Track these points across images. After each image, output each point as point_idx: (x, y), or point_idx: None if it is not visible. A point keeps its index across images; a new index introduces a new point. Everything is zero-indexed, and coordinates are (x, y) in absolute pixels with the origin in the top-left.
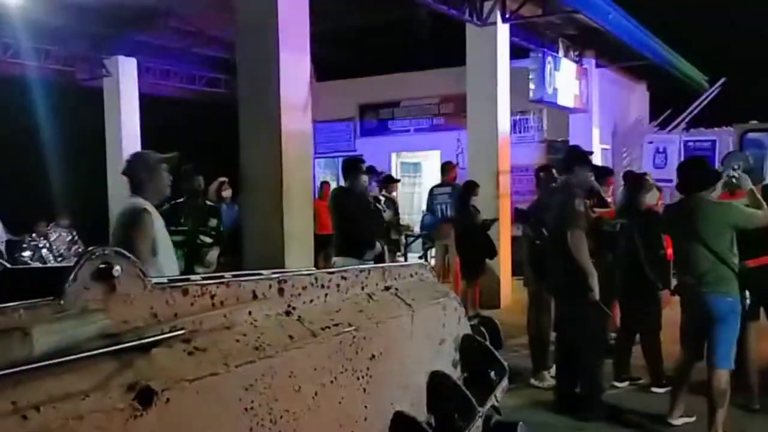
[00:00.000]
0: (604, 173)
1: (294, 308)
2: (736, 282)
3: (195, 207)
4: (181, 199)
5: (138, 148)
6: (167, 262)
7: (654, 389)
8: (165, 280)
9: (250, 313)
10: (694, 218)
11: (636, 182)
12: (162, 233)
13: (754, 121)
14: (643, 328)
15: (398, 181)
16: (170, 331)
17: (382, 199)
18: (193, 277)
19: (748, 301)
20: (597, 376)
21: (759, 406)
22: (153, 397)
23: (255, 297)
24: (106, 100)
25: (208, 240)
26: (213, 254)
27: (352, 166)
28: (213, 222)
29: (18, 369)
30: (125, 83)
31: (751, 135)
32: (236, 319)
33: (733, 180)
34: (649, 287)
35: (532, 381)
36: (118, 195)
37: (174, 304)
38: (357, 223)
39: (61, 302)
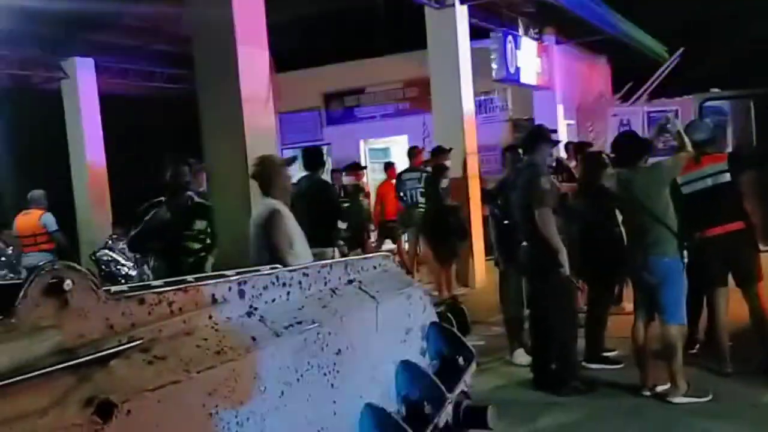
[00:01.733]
0: (582, 147)
1: (256, 309)
2: (675, 242)
3: (179, 207)
4: (161, 198)
5: (101, 148)
6: (302, 250)
7: (585, 364)
8: (125, 289)
9: (210, 317)
10: (632, 186)
11: (594, 161)
12: (294, 226)
13: (715, 89)
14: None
15: (364, 167)
16: (128, 342)
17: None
18: (153, 283)
19: (686, 260)
20: (571, 352)
21: (731, 370)
22: (113, 410)
23: (215, 301)
24: (66, 102)
25: (195, 246)
26: (209, 265)
27: (316, 156)
28: (200, 224)
29: None
30: (84, 84)
31: (710, 103)
32: (196, 325)
33: (667, 126)
34: (605, 265)
35: (508, 359)
36: (83, 198)
37: (131, 315)
38: (327, 212)
39: (12, 321)
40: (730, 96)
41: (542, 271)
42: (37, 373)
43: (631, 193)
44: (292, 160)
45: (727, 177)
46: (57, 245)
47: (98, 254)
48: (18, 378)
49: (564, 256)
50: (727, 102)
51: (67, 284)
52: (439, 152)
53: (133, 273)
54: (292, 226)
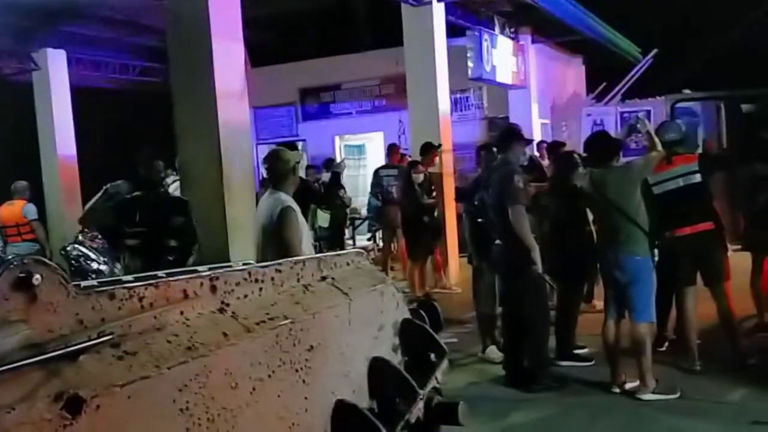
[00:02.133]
0: (556, 146)
1: (228, 305)
2: (646, 241)
3: (154, 202)
4: (137, 193)
5: (72, 141)
6: (307, 247)
7: (556, 361)
8: (95, 284)
9: (181, 312)
10: (604, 185)
11: (566, 160)
12: (303, 222)
13: (687, 90)
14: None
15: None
16: (98, 337)
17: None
18: (124, 278)
19: (656, 259)
20: (543, 349)
21: (699, 368)
22: (82, 405)
23: (186, 296)
24: (37, 94)
25: (173, 243)
26: (191, 261)
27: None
28: (177, 220)
29: None
30: (55, 76)
31: (681, 104)
32: (167, 320)
33: (637, 126)
34: (575, 263)
35: (480, 355)
36: (54, 192)
37: (101, 309)
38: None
39: None
40: (701, 98)
41: (515, 269)
42: (5, 367)
43: (602, 193)
44: (298, 156)
45: (698, 177)
46: (36, 234)
47: (68, 249)
48: None
49: (537, 254)
50: (698, 103)
51: (36, 279)
52: (429, 149)
53: (104, 268)
54: (302, 222)
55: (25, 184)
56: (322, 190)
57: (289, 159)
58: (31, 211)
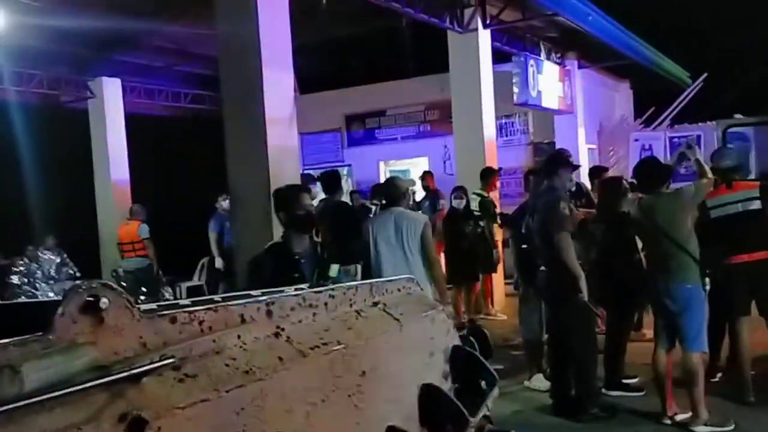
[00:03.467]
0: (598, 171)
1: (282, 329)
2: (697, 269)
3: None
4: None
5: (126, 168)
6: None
7: (605, 390)
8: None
9: (239, 336)
10: (654, 212)
11: (612, 186)
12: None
13: (739, 115)
14: (613, 329)
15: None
16: (160, 360)
17: (373, 207)
18: (182, 302)
19: (708, 288)
20: (591, 377)
21: (754, 399)
22: (144, 427)
23: (243, 320)
24: (92, 122)
25: None
26: None
27: (336, 179)
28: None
29: (9, 407)
30: (110, 104)
31: (733, 129)
32: (225, 344)
33: (685, 151)
34: (624, 291)
35: (526, 383)
36: (107, 215)
37: (163, 333)
38: (351, 233)
39: (50, 337)
40: (753, 122)
41: (561, 296)
42: (73, 389)
43: (652, 220)
44: (412, 183)
45: (758, 204)
46: (148, 252)
47: (119, 271)
48: (55, 393)
49: (582, 282)
50: (750, 128)
51: (104, 302)
52: (489, 173)
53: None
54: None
55: (140, 207)
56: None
57: (402, 185)
58: (145, 230)
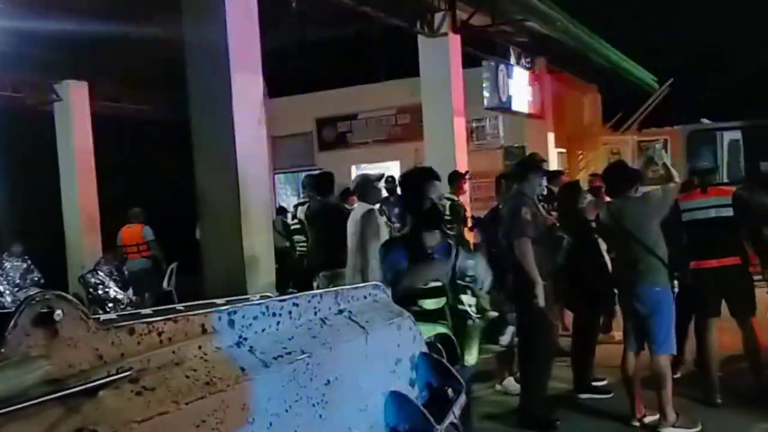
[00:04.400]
0: (555, 175)
1: (245, 339)
2: (665, 272)
3: None
4: None
5: (93, 172)
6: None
7: (578, 395)
8: (114, 317)
9: (199, 347)
10: (622, 216)
11: (568, 190)
12: (382, 223)
13: (705, 120)
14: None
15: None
16: (117, 373)
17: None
18: (143, 311)
19: (676, 290)
20: (535, 383)
21: (721, 401)
22: None
23: (204, 331)
24: (58, 125)
25: None
26: None
27: (329, 181)
28: None
29: None
30: (77, 107)
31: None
32: (185, 355)
33: (653, 155)
34: (591, 294)
35: (498, 387)
36: (73, 221)
37: (120, 344)
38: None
39: (2, 350)
40: (718, 127)
41: (520, 301)
42: (26, 403)
43: (621, 223)
44: (381, 176)
45: (730, 211)
46: (153, 252)
47: (86, 277)
48: (8, 408)
49: (539, 288)
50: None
51: (58, 314)
52: (457, 177)
53: (121, 296)
54: (381, 223)
55: (139, 210)
56: None
57: (370, 180)
58: (150, 232)
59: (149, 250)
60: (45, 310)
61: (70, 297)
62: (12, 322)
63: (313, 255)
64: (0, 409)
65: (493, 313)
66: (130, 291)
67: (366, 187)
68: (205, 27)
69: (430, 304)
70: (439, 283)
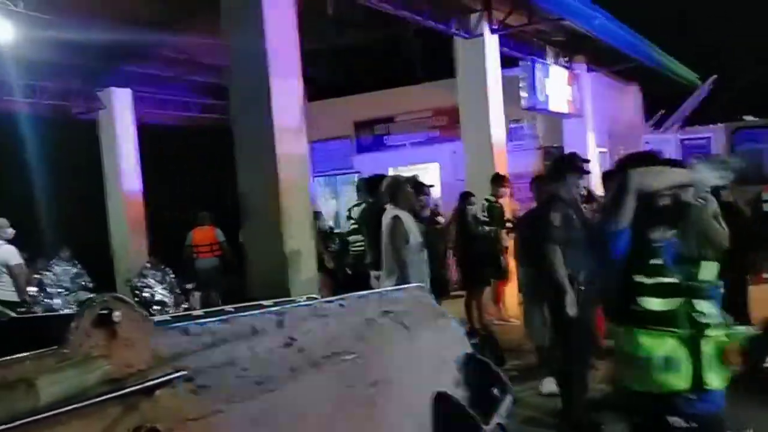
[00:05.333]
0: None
1: (294, 339)
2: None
3: None
4: None
5: (137, 177)
6: (414, 242)
7: None
8: (168, 318)
9: (250, 347)
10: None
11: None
12: (411, 226)
13: (750, 117)
14: None
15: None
16: (173, 372)
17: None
18: (195, 313)
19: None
20: (578, 386)
21: None
22: None
23: (255, 331)
24: (103, 132)
25: None
26: None
27: (377, 184)
28: None
29: (25, 420)
30: (121, 114)
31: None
32: (237, 355)
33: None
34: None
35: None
36: (119, 225)
37: (176, 345)
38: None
39: (65, 351)
40: (763, 124)
41: (554, 305)
42: (87, 402)
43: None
44: (414, 179)
45: None
46: (224, 253)
47: (133, 281)
48: (70, 407)
49: (569, 298)
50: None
51: (117, 315)
52: (500, 179)
53: (167, 300)
54: (408, 227)
55: (208, 214)
56: None
57: (400, 182)
58: (221, 234)
59: (221, 250)
60: (104, 312)
61: (127, 299)
62: (74, 324)
63: (366, 256)
64: (63, 407)
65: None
66: (181, 295)
67: (397, 189)
68: (245, 33)
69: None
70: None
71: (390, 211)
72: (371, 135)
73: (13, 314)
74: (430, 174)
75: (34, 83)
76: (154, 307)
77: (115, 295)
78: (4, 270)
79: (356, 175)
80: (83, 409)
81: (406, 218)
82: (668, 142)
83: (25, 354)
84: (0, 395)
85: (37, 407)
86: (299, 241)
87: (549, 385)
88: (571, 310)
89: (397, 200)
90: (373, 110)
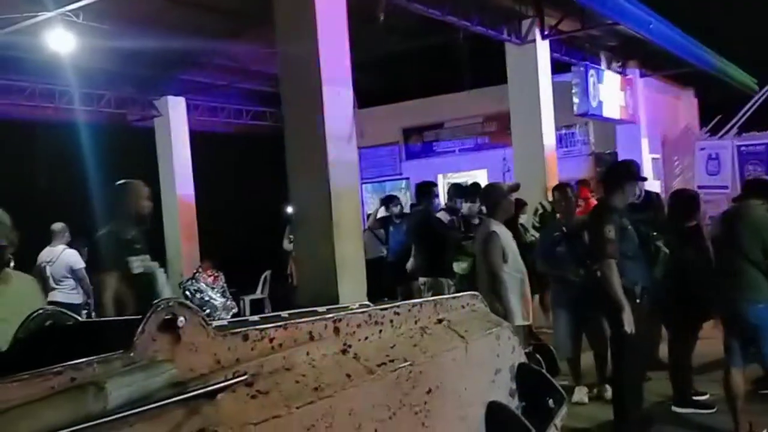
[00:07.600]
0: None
1: (350, 346)
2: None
3: None
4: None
5: (191, 184)
6: (514, 263)
7: (674, 408)
8: (226, 324)
9: (308, 353)
10: (736, 222)
11: (684, 199)
12: (508, 242)
13: None
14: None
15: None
16: (233, 377)
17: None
18: (251, 318)
19: None
20: (630, 397)
21: None
22: None
23: (312, 338)
24: (158, 139)
25: None
26: None
27: (428, 190)
28: None
29: (95, 422)
30: (175, 122)
31: None
32: (295, 361)
33: None
34: (694, 307)
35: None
36: (173, 230)
37: (236, 350)
38: (442, 243)
39: (131, 354)
40: None
41: (611, 316)
42: (153, 405)
43: (729, 231)
44: (516, 187)
45: None
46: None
47: (186, 284)
48: (137, 409)
49: (626, 315)
50: None
51: (181, 321)
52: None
53: (218, 303)
54: (505, 243)
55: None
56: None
57: (502, 191)
58: None
59: None
60: (169, 317)
61: (191, 305)
62: (140, 328)
63: (414, 261)
64: (130, 410)
65: None
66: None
67: (496, 198)
68: (297, 42)
69: None
70: None
71: (485, 225)
72: (420, 141)
73: (80, 318)
74: (479, 180)
75: (92, 91)
76: (206, 311)
77: (180, 300)
78: (69, 274)
79: (405, 181)
80: (149, 412)
81: (504, 233)
82: (724, 148)
83: (94, 357)
84: (72, 397)
85: (106, 409)
86: (349, 247)
87: (578, 394)
88: (629, 327)
89: (496, 212)
90: (422, 117)
